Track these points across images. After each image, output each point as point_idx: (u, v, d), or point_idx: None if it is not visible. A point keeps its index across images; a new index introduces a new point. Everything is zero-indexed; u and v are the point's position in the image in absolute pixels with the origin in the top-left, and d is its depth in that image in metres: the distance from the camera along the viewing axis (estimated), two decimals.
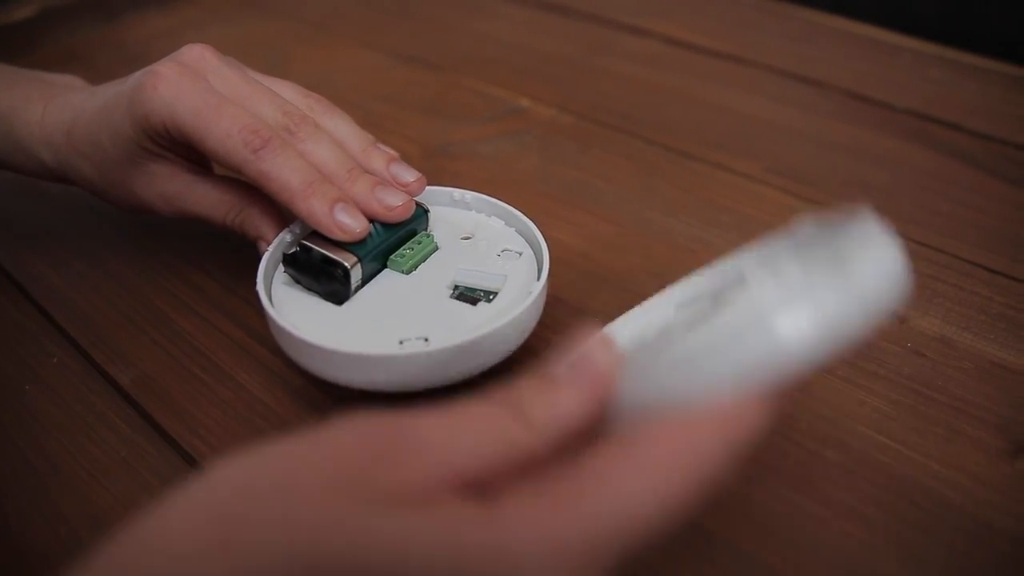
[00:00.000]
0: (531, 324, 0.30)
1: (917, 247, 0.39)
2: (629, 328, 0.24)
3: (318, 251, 0.29)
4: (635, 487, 0.17)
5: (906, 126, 0.49)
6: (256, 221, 0.33)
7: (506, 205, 0.34)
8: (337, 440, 0.17)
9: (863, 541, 0.26)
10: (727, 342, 0.18)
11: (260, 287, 0.30)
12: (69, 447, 0.30)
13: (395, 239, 0.32)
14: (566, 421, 0.18)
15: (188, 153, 0.33)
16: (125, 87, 0.31)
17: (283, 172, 0.29)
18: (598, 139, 0.48)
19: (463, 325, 0.29)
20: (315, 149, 0.31)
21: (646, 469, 0.17)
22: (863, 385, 0.31)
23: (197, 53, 0.32)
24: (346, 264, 0.29)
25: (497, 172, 0.44)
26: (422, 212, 0.33)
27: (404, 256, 0.31)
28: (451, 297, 0.30)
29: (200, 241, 0.39)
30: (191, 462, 0.29)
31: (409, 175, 0.32)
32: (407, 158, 0.34)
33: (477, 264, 0.32)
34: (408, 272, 0.31)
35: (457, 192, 0.35)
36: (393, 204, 0.31)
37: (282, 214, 0.33)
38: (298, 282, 0.31)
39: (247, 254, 0.34)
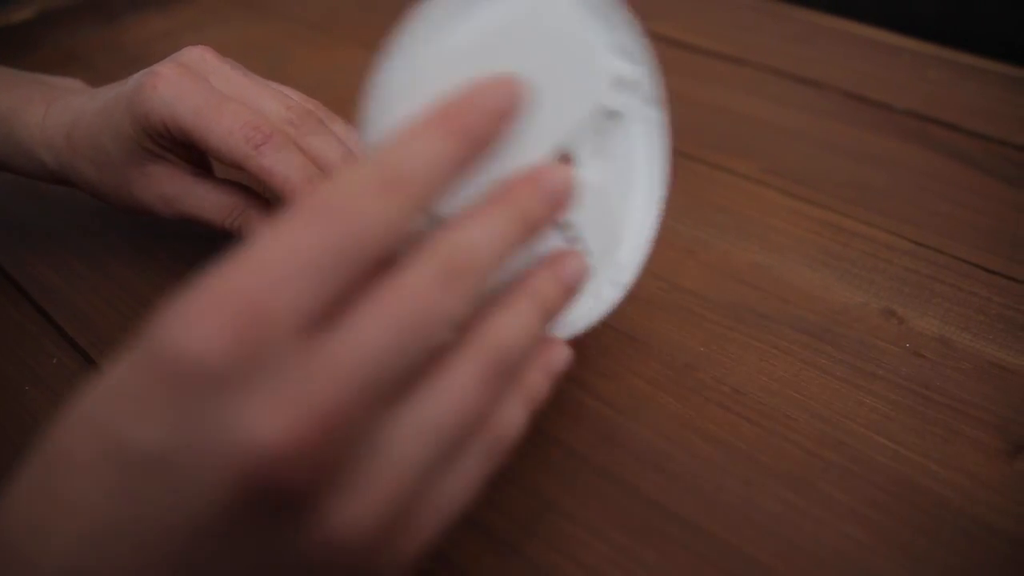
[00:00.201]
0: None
1: (916, 247, 0.39)
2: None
3: None
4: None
5: (905, 127, 0.49)
6: (256, 224, 0.33)
7: None
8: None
9: (862, 542, 0.26)
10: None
11: None
12: None
13: None
14: None
15: (188, 154, 0.33)
16: (125, 88, 0.32)
17: (285, 168, 0.29)
18: None
19: None
20: (318, 145, 0.31)
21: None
22: (862, 386, 0.31)
23: (197, 54, 0.32)
24: None
25: None
26: None
27: None
28: None
29: (199, 243, 0.39)
30: None
31: None
32: None
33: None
34: None
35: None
36: None
37: None
38: None
39: None
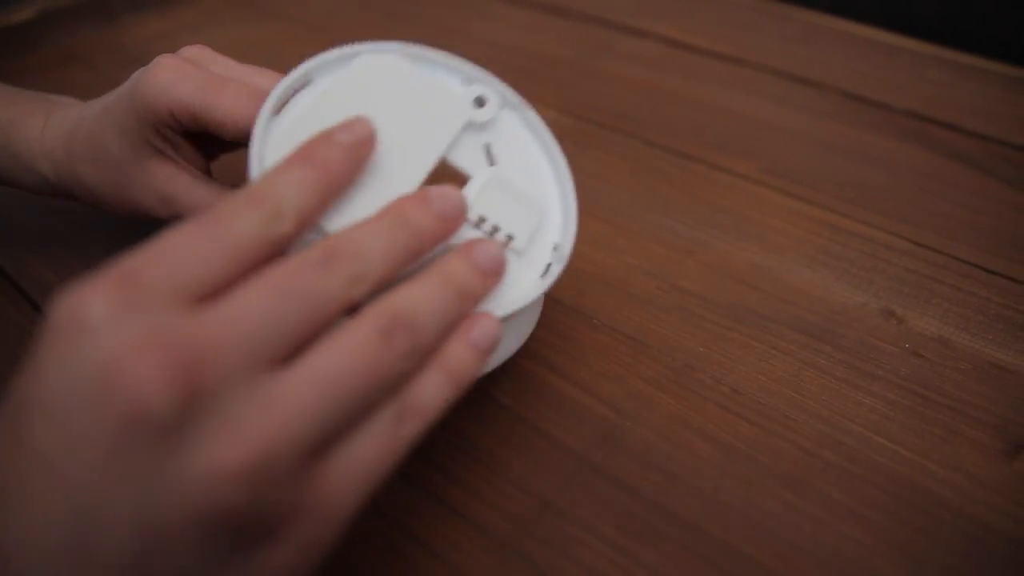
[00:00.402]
0: (528, 328, 0.30)
1: (915, 247, 0.39)
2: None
3: None
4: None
5: (904, 127, 0.49)
6: None
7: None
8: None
9: (861, 542, 0.26)
10: None
11: None
12: None
13: None
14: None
15: (191, 150, 0.33)
16: (125, 85, 0.32)
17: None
18: (597, 140, 0.48)
19: None
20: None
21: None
22: (861, 386, 0.31)
23: (195, 50, 0.32)
24: None
25: None
26: None
27: None
28: None
29: None
30: None
31: None
32: None
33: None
34: None
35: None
36: None
37: None
38: None
39: None
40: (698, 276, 0.37)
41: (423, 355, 0.21)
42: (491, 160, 0.28)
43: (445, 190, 0.24)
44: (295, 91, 0.27)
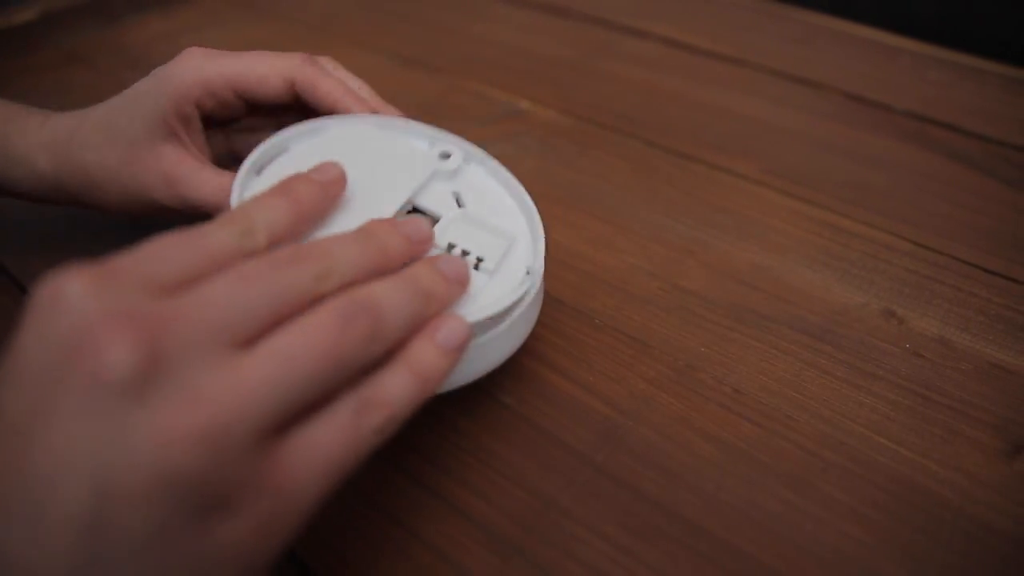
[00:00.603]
0: (528, 328, 0.30)
1: (915, 248, 0.39)
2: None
3: None
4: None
5: (904, 127, 0.49)
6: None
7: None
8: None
9: (862, 541, 0.26)
10: None
11: None
12: None
13: None
14: None
15: (200, 142, 0.34)
16: (146, 78, 0.33)
17: (329, 83, 0.33)
18: (597, 141, 0.48)
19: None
20: (342, 75, 0.35)
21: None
22: (862, 386, 0.32)
23: (202, 48, 0.34)
24: None
25: None
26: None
27: None
28: None
29: None
30: None
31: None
32: None
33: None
34: None
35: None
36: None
37: None
38: None
39: None
40: (699, 276, 0.37)
41: (385, 344, 0.22)
42: (460, 204, 0.31)
43: (413, 218, 0.26)
44: (272, 158, 0.30)
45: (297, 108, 0.35)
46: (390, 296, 0.22)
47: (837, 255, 0.38)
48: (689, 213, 0.41)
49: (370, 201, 0.28)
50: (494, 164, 0.32)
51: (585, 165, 0.46)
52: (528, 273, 0.29)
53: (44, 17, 0.59)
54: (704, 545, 0.26)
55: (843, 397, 0.31)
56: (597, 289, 0.36)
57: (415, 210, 0.30)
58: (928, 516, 0.27)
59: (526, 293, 0.28)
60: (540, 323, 0.31)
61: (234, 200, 0.28)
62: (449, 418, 0.30)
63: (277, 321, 0.20)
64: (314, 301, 0.21)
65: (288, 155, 0.30)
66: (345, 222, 0.27)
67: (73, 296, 0.18)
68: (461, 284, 0.25)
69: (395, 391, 0.22)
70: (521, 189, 0.31)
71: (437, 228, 0.29)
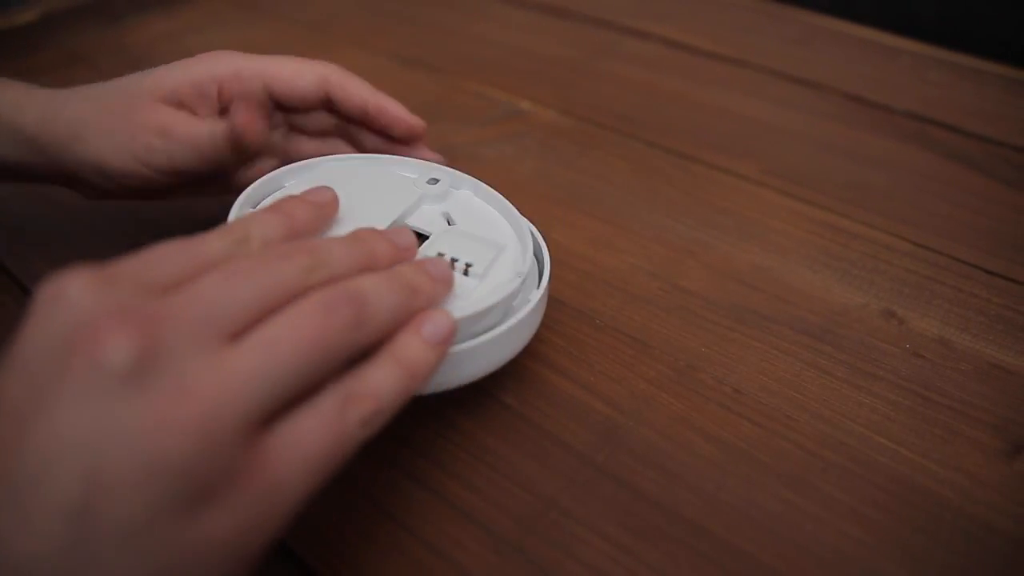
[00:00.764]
0: (531, 330, 0.30)
1: (915, 249, 0.39)
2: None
3: None
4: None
5: (904, 128, 0.49)
6: (250, 133, 0.32)
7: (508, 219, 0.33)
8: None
9: (862, 541, 0.26)
10: None
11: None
12: None
13: None
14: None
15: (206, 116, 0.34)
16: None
17: (356, 84, 0.35)
18: (598, 141, 0.48)
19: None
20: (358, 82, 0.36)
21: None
22: (862, 386, 0.32)
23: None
24: None
25: (498, 174, 0.44)
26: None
27: None
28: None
29: None
30: None
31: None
32: None
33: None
34: None
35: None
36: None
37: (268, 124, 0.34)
38: None
39: None
40: (700, 277, 0.37)
41: (370, 333, 0.22)
42: (450, 223, 0.32)
43: (398, 227, 0.28)
44: (266, 193, 0.31)
45: (326, 109, 0.36)
46: (374, 286, 0.23)
47: (837, 255, 0.39)
48: (689, 213, 0.41)
49: (360, 224, 0.29)
50: (483, 187, 0.33)
51: (585, 165, 0.46)
52: (518, 275, 0.29)
53: (45, 18, 0.59)
54: (704, 545, 0.26)
55: (843, 397, 0.31)
56: (598, 289, 0.37)
57: None
58: (928, 516, 0.27)
59: (514, 293, 0.28)
60: (542, 323, 0.31)
61: None
62: (450, 417, 0.30)
63: (267, 313, 0.21)
64: (303, 293, 0.21)
65: (283, 191, 0.32)
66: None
67: (74, 294, 0.19)
68: (446, 283, 0.26)
69: (381, 383, 0.22)
70: (510, 206, 0.32)
71: (427, 242, 0.29)
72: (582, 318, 0.35)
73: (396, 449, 0.29)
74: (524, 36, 0.61)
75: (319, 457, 0.20)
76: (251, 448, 0.19)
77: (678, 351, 0.33)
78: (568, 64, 0.57)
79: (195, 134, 0.32)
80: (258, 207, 0.30)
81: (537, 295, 0.29)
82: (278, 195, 0.31)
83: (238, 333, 0.20)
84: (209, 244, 0.22)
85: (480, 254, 0.29)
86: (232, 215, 0.29)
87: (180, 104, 0.33)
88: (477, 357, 0.27)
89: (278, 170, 0.32)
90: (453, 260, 0.29)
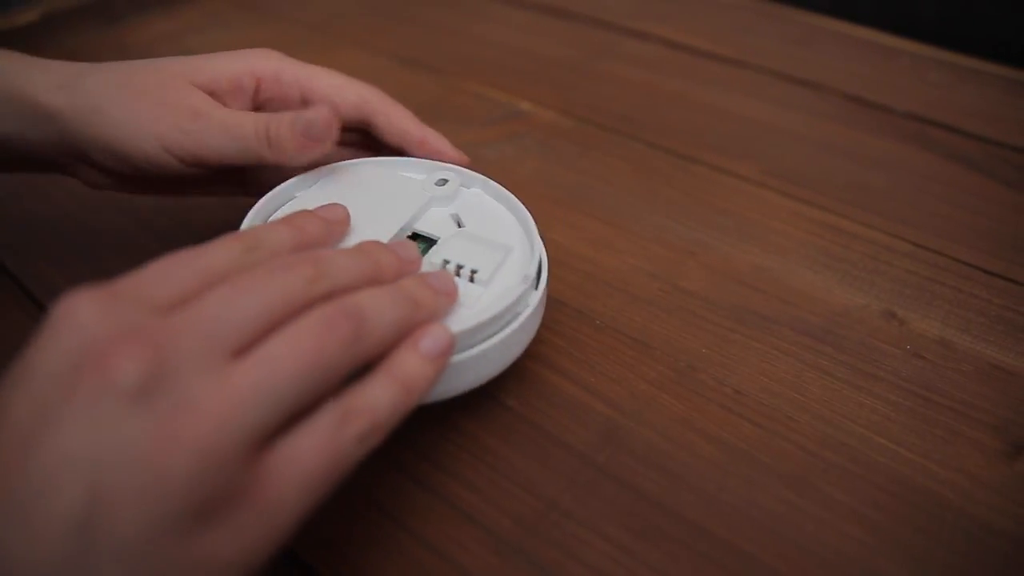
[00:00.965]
0: (531, 334, 0.30)
1: (916, 249, 0.39)
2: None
3: None
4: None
5: (905, 129, 0.49)
6: (286, 133, 0.29)
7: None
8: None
9: (863, 541, 0.26)
10: None
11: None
12: None
13: None
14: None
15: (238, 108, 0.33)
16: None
17: (398, 109, 0.34)
18: (598, 142, 0.48)
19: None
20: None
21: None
22: (862, 387, 0.32)
23: None
24: None
25: (498, 175, 0.44)
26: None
27: None
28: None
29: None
30: None
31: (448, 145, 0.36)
32: None
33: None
34: None
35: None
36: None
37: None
38: None
39: None
40: (700, 277, 0.37)
41: (369, 348, 0.22)
42: (459, 225, 0.32)
43: (402, 240, 0.28)
44: (277, 206, 0.32)
45: (358, 131, 0.35)
46: (374, 300, 0.23)
47: (838, 256, 0.39)
48: (690, 214, 0.41)
49: (367, 232, 0.29)
50: (492, 184, 0.33)
51: (586, 166, 0.46)
52: (524, 279, 0.29)
53: (46, 18, 0.59)
54: (705, 545, 0.26)
55: (844, 398, 0.31)
56: (598, 290, 0.37)
57: (415, 236, 0.31)
58: (929, 516, 0.27)
59: (519, 299, 0.28)
60: (541, 324, 0.31)
61: None
62: (451, 419, 0.30)
63: (272, 327, 0.21)
64: (307, 306, 0.22)
65: (293, 203, 0.32)
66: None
67: (83, 315, 0.19)
68: (448, 296, 0.26)
69: (377, 400, 0.22)
70: (519, 204, 0.32)
71: (434, 248, 0.30)
72: (582, 319, 0.35)
73: (398, 451, 0.29)
74: (524, 37, 0.61)
75: (317, 475, 0.20)
76: (252, 466, 0.19)
77: (679, 352, 0.33)
78: (568, 65, 0.57)
79: (232, 122, 0.30)
80: (270, 220, 0.30)
81: (536, 296, 0.29)
82: (287, 208, 0.31)
83: (243, 349, 0.20)
84: (215, 255, 0.22)
85: (486, 259, 0.29)
86: (244, 227, 0.29)
87: (212, 94, 0.32)
88: (478, 365, 0.27)
89: (287, 181, 0.32)
90: (459, 267, 0.29)
